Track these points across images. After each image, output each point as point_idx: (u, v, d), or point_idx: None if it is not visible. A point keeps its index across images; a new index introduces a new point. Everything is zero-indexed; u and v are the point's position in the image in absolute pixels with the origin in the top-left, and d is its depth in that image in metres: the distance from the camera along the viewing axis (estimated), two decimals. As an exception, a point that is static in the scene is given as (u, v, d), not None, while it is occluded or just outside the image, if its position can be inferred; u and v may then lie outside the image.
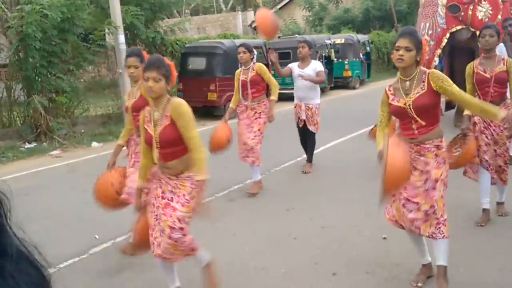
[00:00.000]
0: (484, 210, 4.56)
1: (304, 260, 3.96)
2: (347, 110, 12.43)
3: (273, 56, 6.09)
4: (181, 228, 3.01)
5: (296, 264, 3.89)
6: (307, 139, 6.83)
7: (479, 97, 4.41)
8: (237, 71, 6.01)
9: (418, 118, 3.12)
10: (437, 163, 3.17)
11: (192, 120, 3.00)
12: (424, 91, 3.11)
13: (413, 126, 3.17)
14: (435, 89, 3.10)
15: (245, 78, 5.85)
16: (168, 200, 3.08)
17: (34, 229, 5.11)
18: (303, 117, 6.59)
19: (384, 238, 4.28)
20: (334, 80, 17.59)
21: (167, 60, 3.11)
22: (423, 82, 3.14)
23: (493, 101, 4.34)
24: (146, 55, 4.17)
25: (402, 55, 3.09)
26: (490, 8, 8.09)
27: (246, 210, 5.30)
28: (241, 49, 5.87)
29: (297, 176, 6.54)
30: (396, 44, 3.14)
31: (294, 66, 6.74)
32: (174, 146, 3.03)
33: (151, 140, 3.07)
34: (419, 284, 3.44)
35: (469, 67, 4.49)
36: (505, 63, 4.35)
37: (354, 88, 18.33)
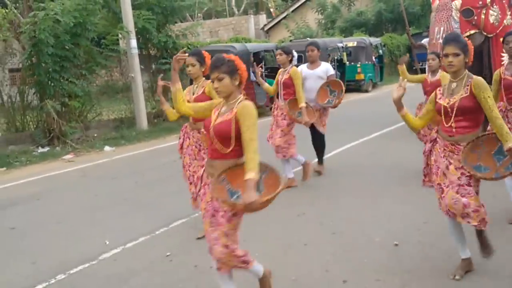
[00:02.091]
0: None
1: (314, 266, 3.91)
2: (360, 113, 12.35)
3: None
4: (226, 246, 2.98)
5: (306, 270, 3.84)
6: (317, 142, 6.87)
7: (507, 102, 4.53)
8: (280, 70, 6.32)
9: (454, 118, 3.35)
10: None
11: (256, 123, 2.93)
12: (467, 94, 3.34)
13: (452, 125, 3.37)
14: (474, 95, 3.32)
15: (280, 79, 6.17)
16: (214, 210, 3.03)
17: (45, 234, 5.14)
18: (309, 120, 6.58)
19: (396, 244, 4.21)
20: (347, 83, 17.49)
21: (230, 56, 3.07)
22: (468, 86, 3.37)
23: None
24: (207, 56, 4.53)
25: (451, 61, 3.33)
26: (500, 12, 8.02)
27: (256, 215, 5.21)
28: (278, 51, 6.22)
29: (309, 181, 6.48)
30: (444, 52, 3.37)
31: (303, 68, 6.67)
32: (224, 141, 2.98)
33: (208, 127, 3.05)
34: (457, 277, 3.53)
35: (496, 74, 4.56)
36: None
37: (366, 91, 18.22)
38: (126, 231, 5.05)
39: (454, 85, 3.43)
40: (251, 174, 2.75)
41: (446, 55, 3.35)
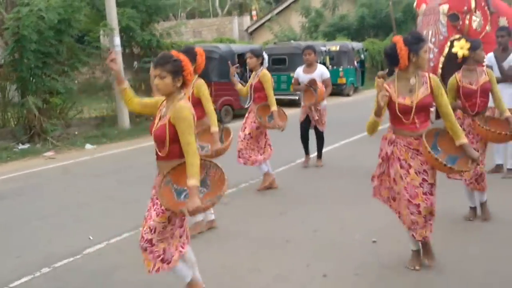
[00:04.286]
0: (471, 208, 4.78)
1: (296, 262, 4.02)
2: (341, 116, 12.51)
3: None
4: (149, 240, 3.02)
5: (288, 266, 3.95)
6: (317, 140, 7.29)
7: (467, 110, 4.61)
8: (253, 73, 6.12)
9: (416, 115, 3.46)
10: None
11: (191, 126, 2.95)
12: (428, 92, 3.48)
13: (416, 121, 3.49)
14: (433, 92, 3.49)
15: (252, 82, 6.00)
16: (152, 204, 3.11)
17: (29, 229, 5.15)
18: (316, 118, 6.98)
19: (374, 241, 4.36)
20: (328, 87, 17.68)
21: (179, 55, 3.05)
22: (426, 83, 3.49)
23: (480, 111, 4.58)
24: (200, 53, 4.63)
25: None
26: (482, 18, 8.26)
27: (240, 213, 5.36)
28: (248, 54, 6.04)
29: (291, 181, 6.61)
30: (424, 49, 3.45)
31: (299, 71, 7.00)
32: (163, 146, 3.01)
33: (151, 130, 3.08)
34: (417, 268, 3.73)
35: (452, 81, 4.64)
36: (487, 74, 4.58)
37: (348, 95, 18.46)
38: (110, 227, 5.09)
39: (412, 81, 3.48)
40: (192, 181, 2.83)
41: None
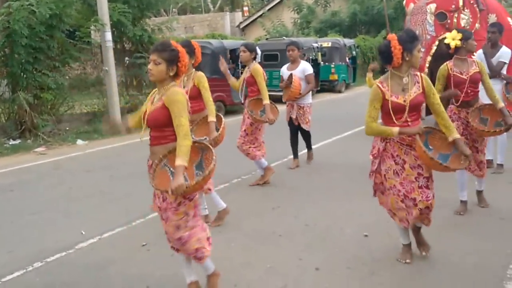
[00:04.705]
0: (462, 202, 4.90)
1: (288, 256, 4.05)
2: (333, 113, 12.59)
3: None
4: (179, 239, 3.12)
5: (281, 259, 3.99)
6: (303, 136, 7.21)
7: (455, 99, 4.81)
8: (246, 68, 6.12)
9: (409, 114, 3.51)
10: None
11: (184, 109, 2.99)
12: (420, 91, 3.53)
13: (408, 119, 3.53)
14: (425, 91, 3.55)
15: (244, 77, 6.00)
16: (162, 201, 3.12)
17: (21, 225, 5.14)
18: (294, 116, 6.91)
19: (366, 235, 4.40)
20: (321, 83, 17.76)
21: (177, 46, 3.10)
22: (418, 83, 3.55)
23: (469, 100, 4.76)
24: (196, 46, 4.68)
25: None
26: (471, 16, 8.32)
27: (232, 207, 5.36)
28: (242, 47, 6.05)
29: (283, 175, 6.64)
30: (417, 48, 3.48)
31: (283, 69, 6.97)
32: (158, 130, 3.08)
33: (144, 117, 3.12)
34: (408, 261, 3.80)
35: (443, 69, 4.79)
36: (477, 65, 4.77)
37: (339, 91, 18.52)
38: (102, 222, 5.09)
39: (405, 80, 3.51)
40: (179, 161, 2.87)
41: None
